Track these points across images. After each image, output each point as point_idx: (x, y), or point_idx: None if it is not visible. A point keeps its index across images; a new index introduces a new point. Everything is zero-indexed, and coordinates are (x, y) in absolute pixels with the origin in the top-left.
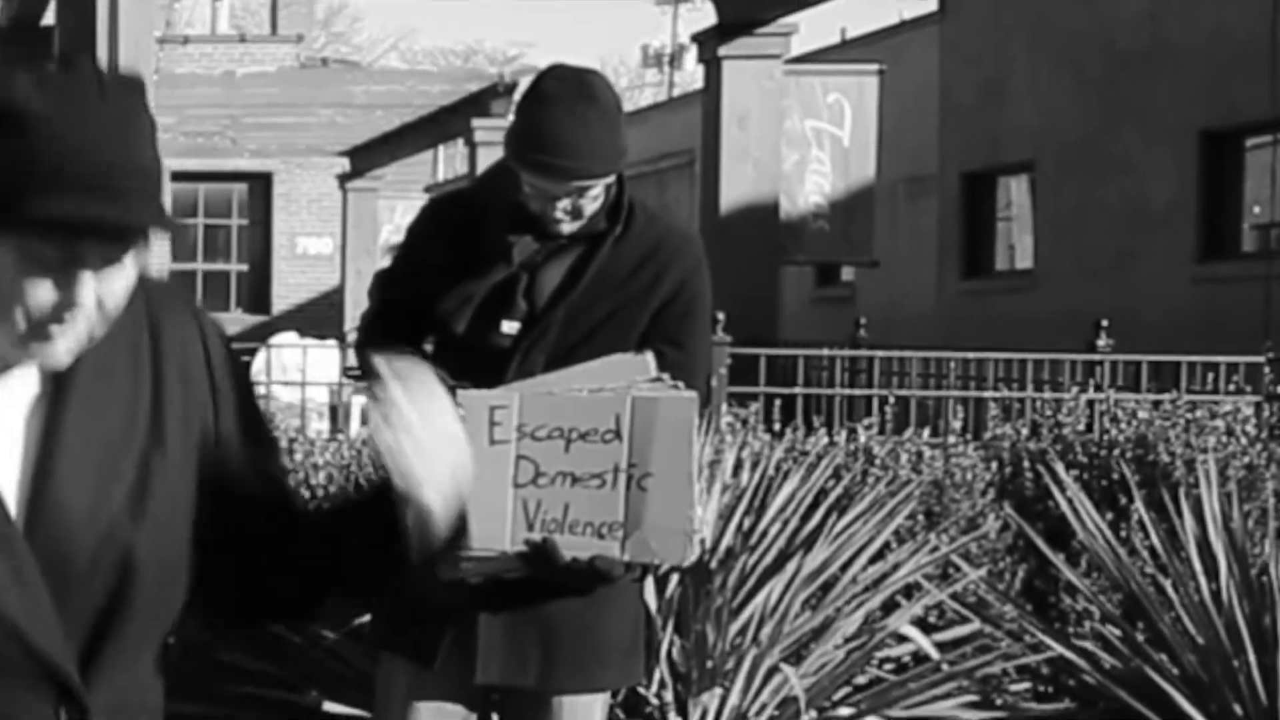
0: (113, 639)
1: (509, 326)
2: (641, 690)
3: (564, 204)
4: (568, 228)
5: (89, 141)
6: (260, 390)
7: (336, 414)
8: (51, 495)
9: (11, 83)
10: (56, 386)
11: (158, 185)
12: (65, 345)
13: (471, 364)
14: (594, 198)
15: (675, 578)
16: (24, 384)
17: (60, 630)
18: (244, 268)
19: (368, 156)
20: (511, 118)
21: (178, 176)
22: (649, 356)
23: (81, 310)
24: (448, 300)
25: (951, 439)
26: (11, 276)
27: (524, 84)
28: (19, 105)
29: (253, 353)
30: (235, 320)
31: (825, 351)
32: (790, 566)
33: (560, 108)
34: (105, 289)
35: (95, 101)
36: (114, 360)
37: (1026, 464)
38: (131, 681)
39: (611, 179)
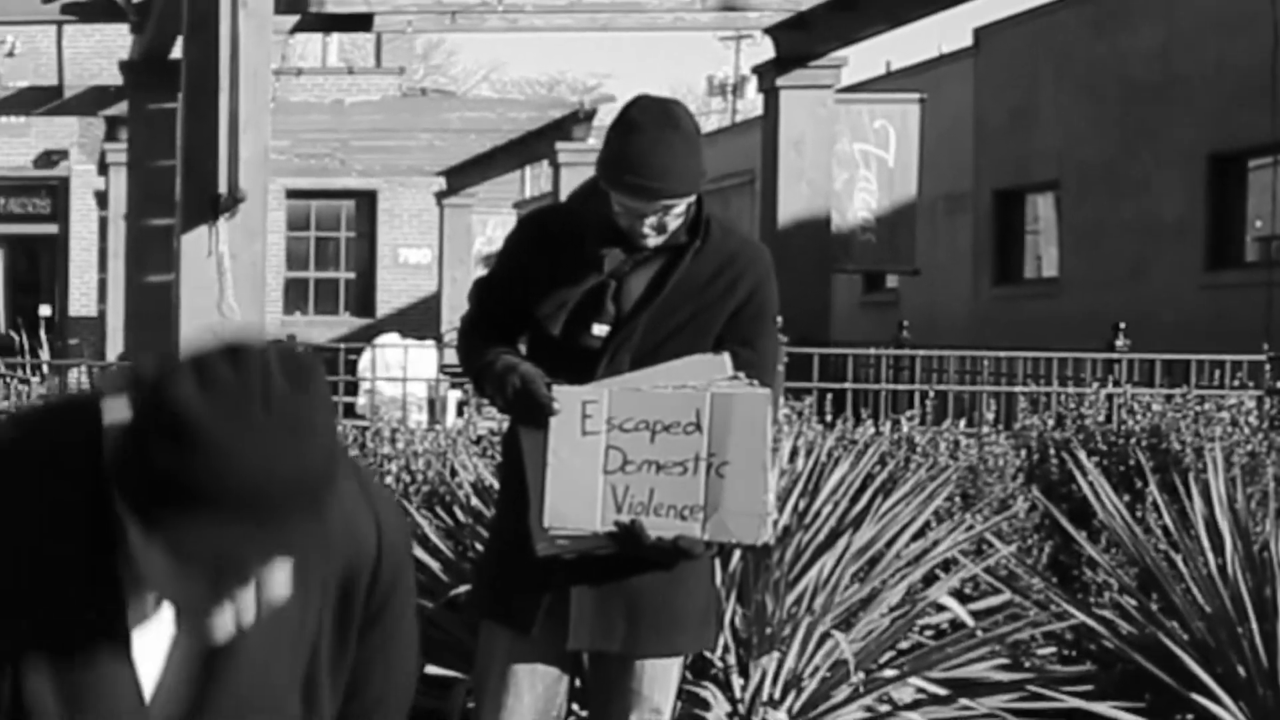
0: None
1: (599, 329)
2: (707, 654)
3: (651, 220)
4: (653, 241)
5: (251, 465)
6: (365, 385)
7: (434, 407)
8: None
9: (175, 383)
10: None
11: (327, 488)
12: (223, 634)
13: (564, 363)
14: (677, 215)
15: (738, 553)
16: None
17: None
18: (351, 275)
19: (462, 176)
20: (601, 144)
21: (293, 194)
22: (726, 356)
23: (235, 614)
24: (544, 305)
25: (985, 429)
26: (168, 579)
27: (603, 110)
28: (183, 410)
29: (359, 352)
30: (343, 322)
31: (872, 351)
32: (840, 543)
33: (647, 135)
34: (265, 582)
35: (259, 415)
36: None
37: (1052, 451)
38: None
39: (693, 197)
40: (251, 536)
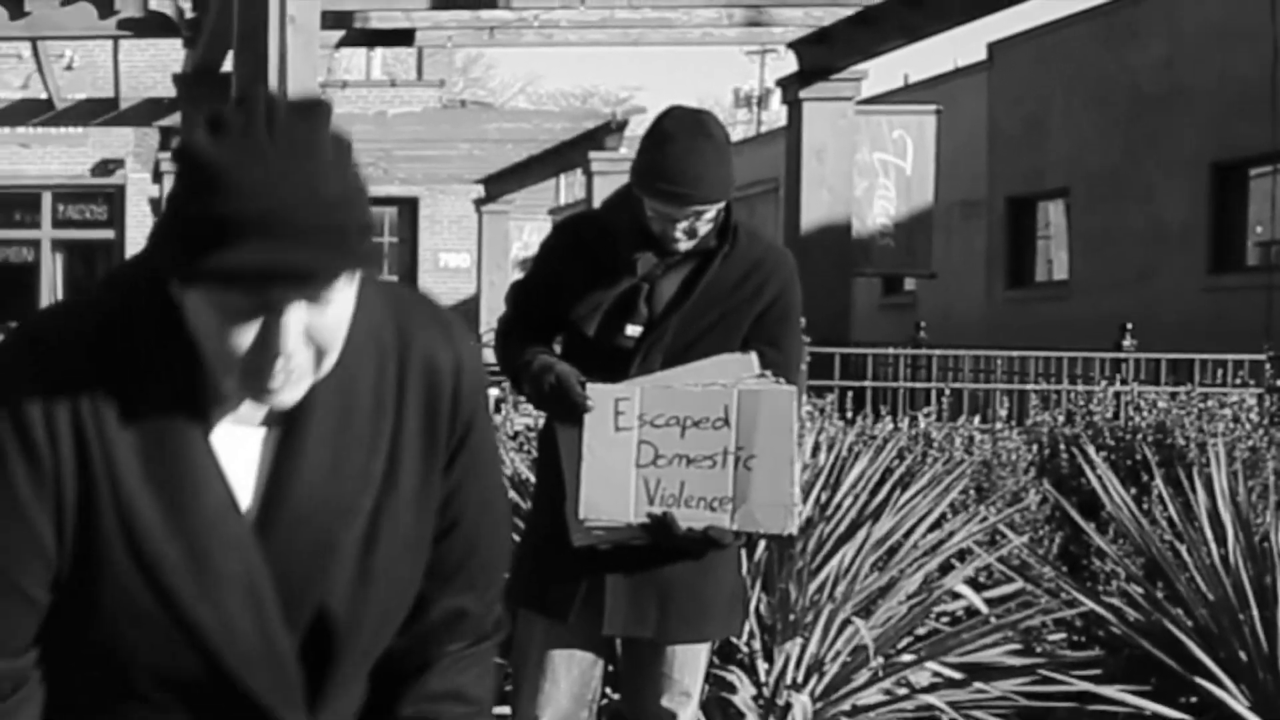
0: (336, 668)
1: (632, 330)
2: (734, 640)
3: (682, 225)
4: (684, 245)
5: (260, 186)
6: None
7: None
8: (285, 519)
9: (191, 132)
10: (295, 410)
11: (344, 216)
12: (286, 392)
13: (599, 362)
14: (708, 220)
15: (763, 543)
16: (261, 409)
17: (291, 651)
18: (394, 278)
19: (499, 184)
20: (635, 153)
21: None
22: (753, 355)
23: (288, 357)
24: (579, 307)
25: (998, 425)
26: (216, 329)
27: (634, 121)
28: (196, 155)
29: None
30: None
31: (890, 351)
32: (860, 534)
33: (680, 144)
34: (315, 327)
35: (264, 142)
36: (357, 381)
37: (1062, 446)
38: (346, 710)
39: (723, 204)
40: (274, 258)
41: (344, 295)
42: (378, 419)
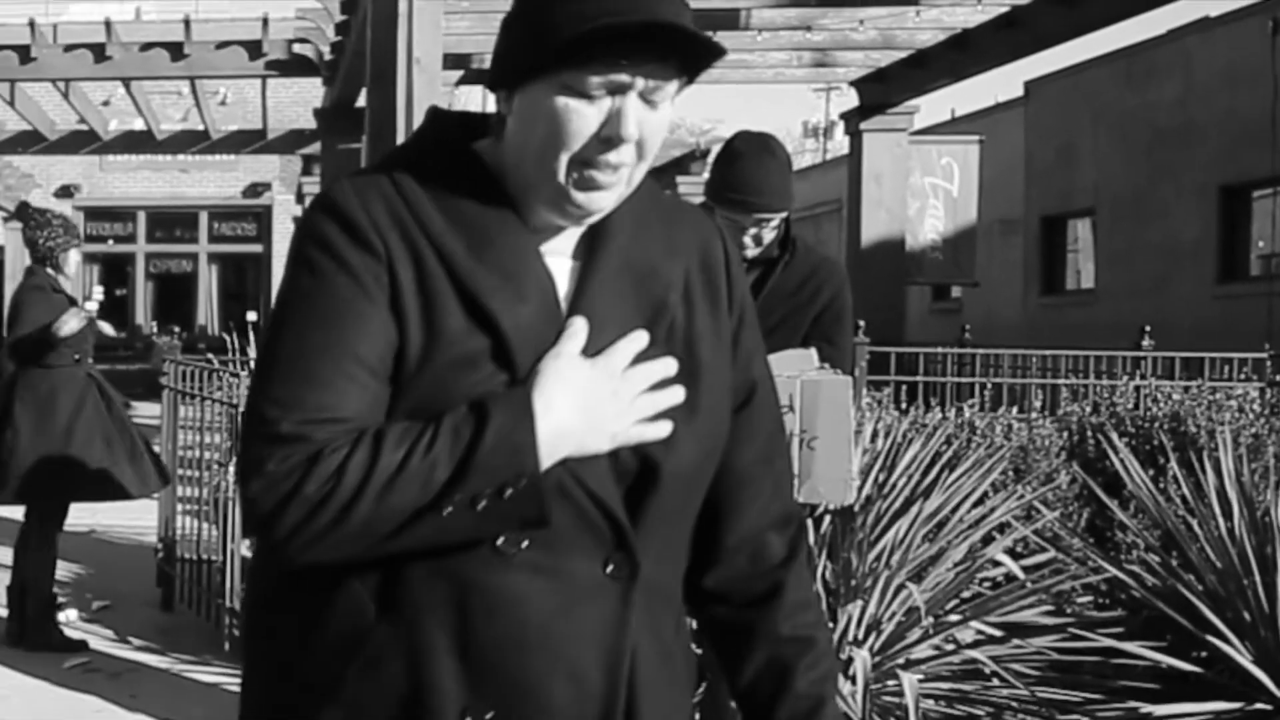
0: (652, 502)
1: None
2: None
3: (750, 233)
4: (751, 253)
5: None
6: None
7: None
8: (590, 340)
9: None
10: (596, 239)
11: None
12: (610, 190)
13: None
14: (772, 229)
15: (827, 517)
16: (558, 254)
17: (611, 478)
18: None
19: None
20: (709, 170)
21: None
22: (812, 350)
23: (626, 146)
24: None
25: (1033, 415)
26: (558, 120)
27: (715, 150)
28: None
29: None
30: None
31: (939, 350)
32: (913, 510)
33: (748, 160)
34: (645, 123)
35: None
36: (648, 226)
37: (1089, 433)
38: (668, 557)
39: (783, 215)
40: (619, 22)
41: (668, 101)
42: (669, 262)
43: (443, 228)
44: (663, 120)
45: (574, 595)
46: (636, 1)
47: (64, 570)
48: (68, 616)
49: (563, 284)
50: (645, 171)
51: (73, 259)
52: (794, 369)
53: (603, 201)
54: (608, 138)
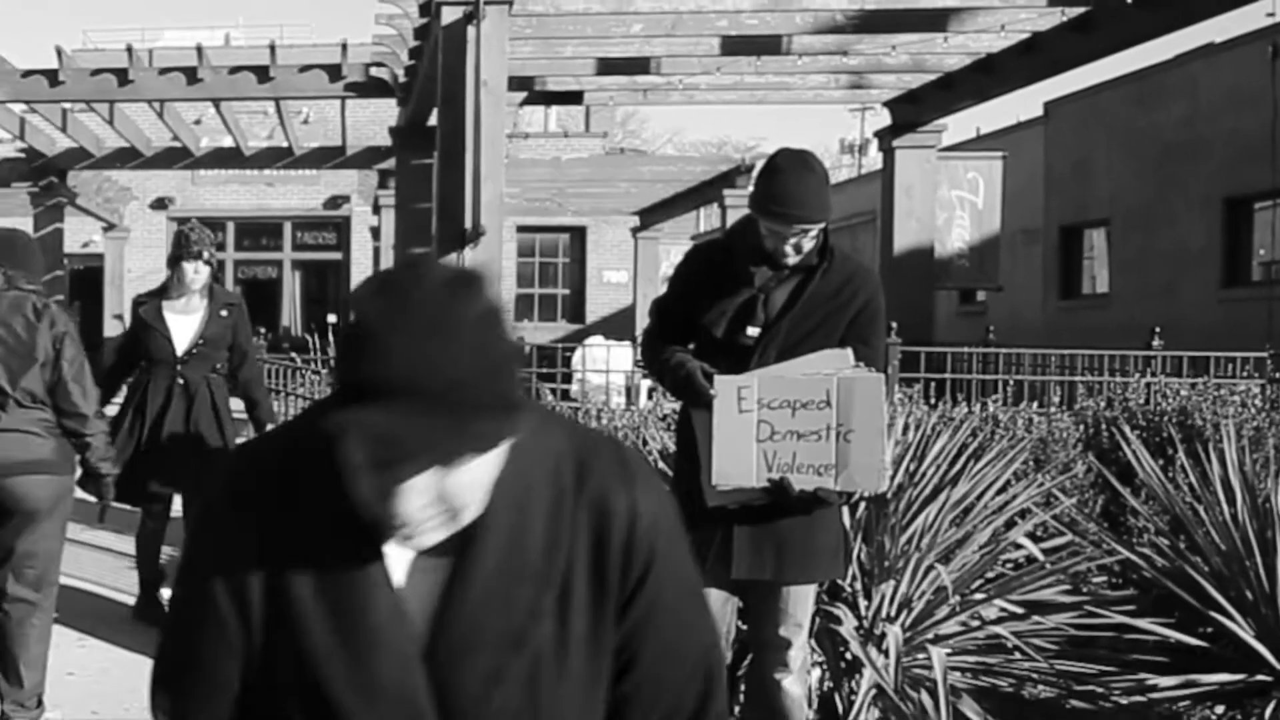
0: None
1: (751, 331)
2: (840, 581)
3: (791, 242)
4: (791, 261)
5: (394, 352)
6: (577, 375)
7: (630, 392)
8: (454, 644)
9: (364, 285)
10: (469, 539)
11: (471, 393)
12: (419, 540)
13: (725, 358)
14: (811, 238)
15: (863, 504)
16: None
17: None
18: (566, 291)
19: (651, 215)
20: (753, 184)
21: (521, 229)
22: (848, 350)
23: (408, 519)
24: (709, 314)
25: (1052, 409)
26: (354, 475)
27: (759, 165)
28: (357, 308)
29: (573, 351)
30: (560, 328)
31: (965, 349)
32: (941, 496)
33: (788, 175)
34: (446, 490)
35: (400, 313)
36: (531, 515)
37: (1104, 426)
38: None
39: (821, 226)
40: (407, 424)
41: (479, 463)
42: (552, 554)
43: (297, 549)
44: (474, 478)
45: None
46: (403, 395)
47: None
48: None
49: (429, 583)
50: (476, 508)
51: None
52: (831, 367)
53: (421, 543)
54: (394, 510)
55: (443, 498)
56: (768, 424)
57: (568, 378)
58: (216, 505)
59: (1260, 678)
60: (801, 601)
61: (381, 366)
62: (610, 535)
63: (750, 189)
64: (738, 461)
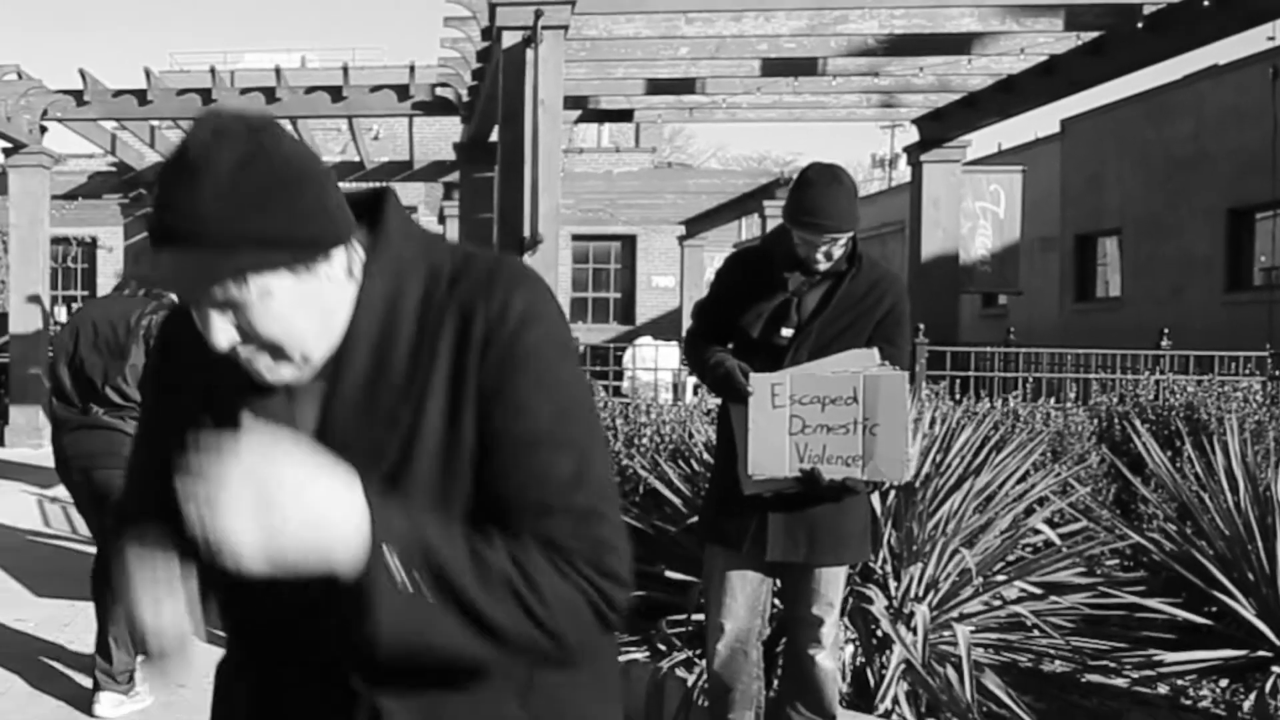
0: None
1: (785, 332)
2: (871, 564)
3: (822, 250)
4: (822, 267)
5: (155, 203)
6: (628, 373)
7: (676, 389)
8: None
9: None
10: (337, 365)
11: (215, 227)
12: (272, 376)
13: (761, 356)
14: (840, 246)
15: (893, 492)
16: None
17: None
18: (618, 295)
19: (696, 224)
20: (787, 196)
21: (576, 238)
22: (875, 350)
23: (239, 352)
24: (746, 316)
25: (1068, 405)
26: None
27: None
28: (171, 151)
29: (624, 350)
30: (612, 329)
31: (988, 349)
32: (965, 485)
33: (819, 188)
34: (247, 328)
35: (166, 165)
36: (396, 338)
37: (1116, 420)
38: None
39: (850, 235)
40: (172, 263)
41: (267, 303)
42: (413, 369)
43: (187, 380)
44: (272, 316)
45: None
46: (164, 231)
47: None
48: None
49: (308, 407)
50: (307, 348)
51: None
52: (858, 365)
53: (276, 380)
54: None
55: (250, 336)
56: (799, 418)
57: (619, 375)
58: (150, 359)
59: (1261, 653)
60: (832, 582)
61: (150, 216)
62: (470, 336)
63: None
64: (772, 453)
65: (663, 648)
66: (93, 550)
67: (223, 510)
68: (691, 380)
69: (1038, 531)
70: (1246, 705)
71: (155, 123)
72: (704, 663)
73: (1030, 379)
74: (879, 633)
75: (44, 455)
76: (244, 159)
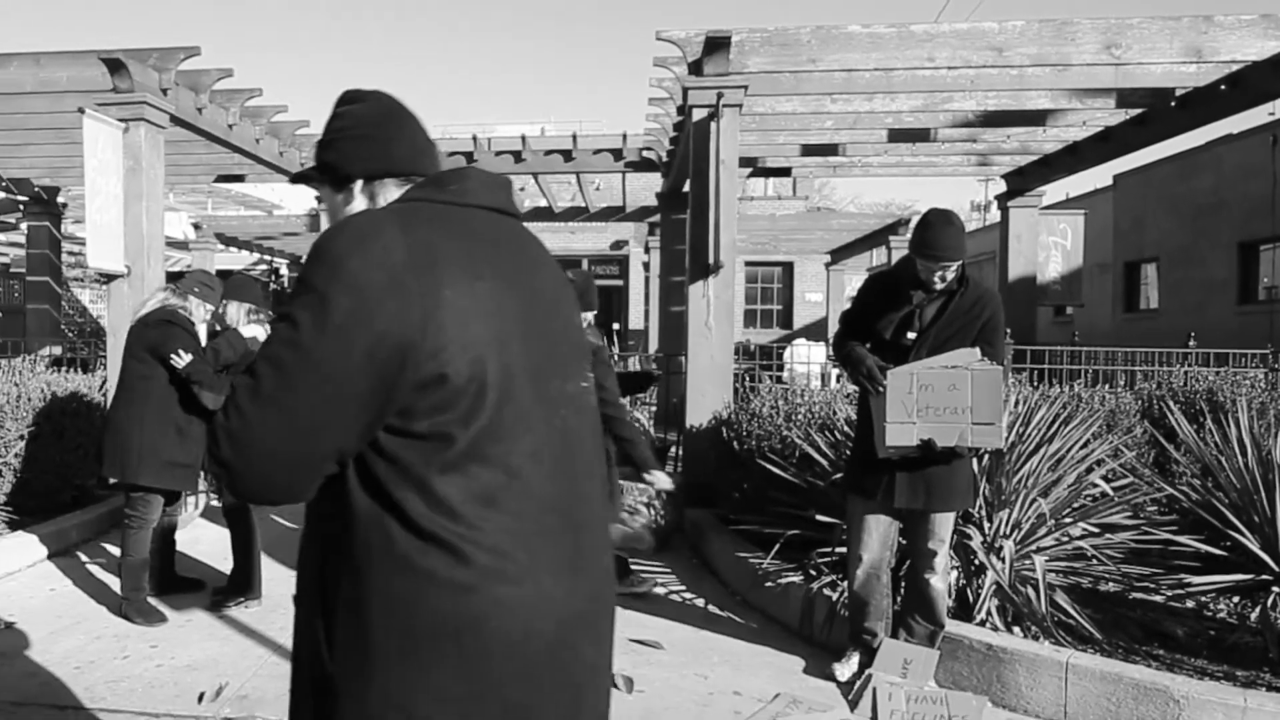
0: None
1: (910, 335)
2: (970, 510)
3: (938, 274)
4: (939, 287)
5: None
6: (787, 366)
7: (824, 378)
8: None
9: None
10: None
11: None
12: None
13: (892, 354)
14: (952, 271)
15: (987, 456)
16: None
17: None
18: (779, 307)
19: (839, 254)
20: (910, 233)
21: (749, 264)
22: (977, 350)
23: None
24: (880, 322)
25: (1119, 390)
26: None
27: (914, 219)
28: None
29: (784, 349)
30: (775, 333)
31: (1058, 347)
32: (1041, 450)
33: (936, 226)
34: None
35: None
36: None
37: (1155, 402)
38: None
39: (959, 263)
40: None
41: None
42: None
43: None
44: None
45: None
46: None
47: None
48: None
49: None
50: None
51: None
52: (965, 361)
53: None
54: None
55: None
56: (921, 400)
57: (780, 368)
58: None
59: (1264, 577)
60: (944, 524)
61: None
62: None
63: (909, 236)
64: (900, 427)
65: (814, 573)
66: None
67: None
68: (835, 371)
69: (1095, 485)
70: (1253, 616)
71: None
72: (845, 584)
73: (1090, 371)
74: (976, 561)
75: None
76: (339, 113)
